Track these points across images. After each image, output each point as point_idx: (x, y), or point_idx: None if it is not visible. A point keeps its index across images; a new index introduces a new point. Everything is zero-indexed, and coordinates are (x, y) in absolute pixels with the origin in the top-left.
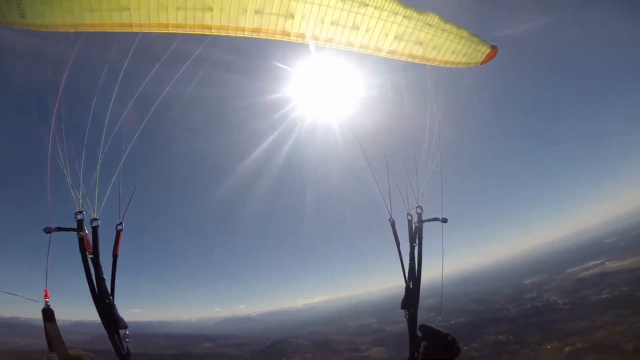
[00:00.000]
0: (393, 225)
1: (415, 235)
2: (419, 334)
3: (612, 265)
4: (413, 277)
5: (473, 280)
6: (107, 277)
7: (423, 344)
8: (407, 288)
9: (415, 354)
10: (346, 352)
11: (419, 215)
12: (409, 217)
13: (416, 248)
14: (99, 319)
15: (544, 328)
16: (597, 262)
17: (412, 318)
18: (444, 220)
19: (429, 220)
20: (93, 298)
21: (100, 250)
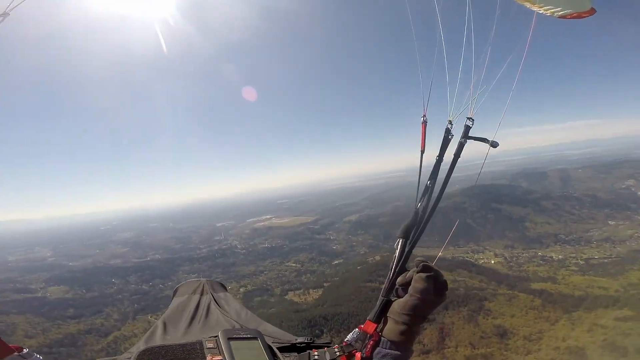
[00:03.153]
0: (424, 125)
1: (445, 150)
2: (413, 270)
3: (276, 221)
4: (427, 200)
5: (175, 217)
6: None
7: (419, 286)
8: (416, 212)
9: (395, 292)
10: (11, 293)
11: (467, 128)
12: (449, 126)
13: (442, 165)
14: None
15: (226, 269)
16: (268, 216)
17: (405, 252)
18: (494, 145)
19: (477, 138)
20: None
21: None
